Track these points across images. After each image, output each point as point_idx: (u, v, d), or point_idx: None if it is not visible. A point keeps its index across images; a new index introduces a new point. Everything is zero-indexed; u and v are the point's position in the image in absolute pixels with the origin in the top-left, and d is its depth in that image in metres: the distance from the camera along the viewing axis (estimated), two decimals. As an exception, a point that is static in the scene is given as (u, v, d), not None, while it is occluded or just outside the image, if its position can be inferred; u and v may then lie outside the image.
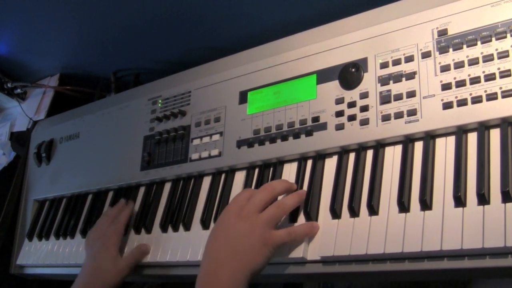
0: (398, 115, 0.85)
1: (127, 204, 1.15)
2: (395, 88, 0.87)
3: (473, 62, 0.80)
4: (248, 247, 0.79)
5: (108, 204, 1.25)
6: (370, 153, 0.89)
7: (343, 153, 0.91)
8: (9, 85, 1.64)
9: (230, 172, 1.05)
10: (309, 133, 0.94)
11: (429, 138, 0.83)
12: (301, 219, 0.89)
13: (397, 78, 0.87)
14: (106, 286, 1.01)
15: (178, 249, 1.02)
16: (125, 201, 1.17)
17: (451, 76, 0.82)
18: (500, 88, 0.77)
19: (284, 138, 0.97)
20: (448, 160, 0.80)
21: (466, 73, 0.81)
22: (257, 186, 0.99)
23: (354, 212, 0.83)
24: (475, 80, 0.79)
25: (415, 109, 0.84)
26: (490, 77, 0.78)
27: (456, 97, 0.80)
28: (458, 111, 0.79)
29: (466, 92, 0.80)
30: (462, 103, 0.79)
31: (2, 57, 1.59)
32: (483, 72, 0.79)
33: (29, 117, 1.59)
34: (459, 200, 0.74)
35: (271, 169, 0.99)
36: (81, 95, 1.59)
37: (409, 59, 0.87)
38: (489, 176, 0.74)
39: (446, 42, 0.84)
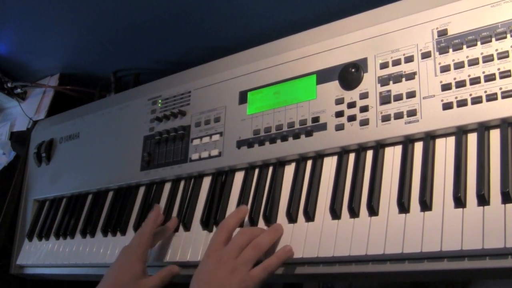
0: (398, 116, 0.85)
1: (155, 210, 1.05)
2: (395, 88, 0.87)
3: (473, 62, 0.80)
4: None
5: (108, 204, 1.25)
6: (370, 154, 0.88)
7: (343, 153, 0.91)
8: (9, 85, 1.64)
9: (230, 172, 1.05)
10: (309, 133, 0.94)
11: (429, 138, 0.83)
12: (301, 219, 0.89)
13: (397, 78, 0.87)
14: None
15: (178, 249, 1.02)
16: (158, 206, 1.08)
17: (451, 77, 0.82)
18: (500, 88, 0.77)
19: (284, 138, 0.97)
20: (448, 161, 0.80)
21: (466, 73, 0.80)
22: (256, 187, 0.99)
23: (354, 212, 0.83)
24: (475, 81, 0.79)
25: (415, 110, 0.84)
26: (490, 78, 0.78)
27: (456, 97, 0.80)
28: (458, 112, 0.79)
29: (466, 93, 0.79)
30: (462, 103, 0.79)
31: (2, 57, 1.59)
32: (483, 72, 0.79)
33: (29, 117, 1.59)
34: (459, 201, 0.74)
35: (271, 169, 0.99)
36: (81, 95, 1.59)
37: (409, 59, 0.87)
38: (489, 177, 0.74)
39: (446, 42, 0.84)
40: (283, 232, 0.89)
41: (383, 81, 0.88)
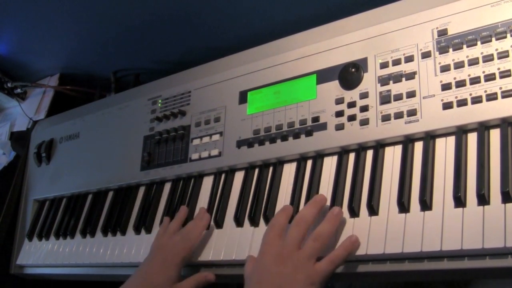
0: (398, 115, 0.85)
1: (203, 218, 1.00)
2: (395, 88, 0.87)
3: (473, 62, 0.80)
4: None
5: (108, 204, 1.25)
6: (370, 153, 0.88)
7: (343, 153, 0.91)
8: (9, 85, 1.64)
9: (230, 172, 1.05)
10: (309, 133, 0.94)
11: (429, 138, 0.83)
12: (301, 219, 0.89)
13: (397, 78, 0.87)
14: None
15: (178, 249, 1.02)
16: (186, 209, 1.04)
17: (451, 76, 0.82)
18: (500, 88, 0.77)
19: (284, 138, 0.97)
20: (448, 160, 0.80)
21: (466, 73, 0.80)
22: (256, 187, 0.99)
23: (354, 212, 0.83)
24: (475, 80, 0.79)
25: (415, 109, 0.84)
26: (490, 77, 0.78)
27: (456, 97, 0.80)
28: (458, 111, 0.79)
29: (466, 92, 0.79)
30: (462, 103, 0.79)
31: (2, 57, 1.59)
32: (483, 72, 0.79)
33: (29, 117, 1.59)
34: (459, 201, 0.74)
35: (271, 169, 0.99)
36: (81, 95, 1.59)
37: (409, 59, 0.87)
38: (489, 177, 0.74)
39: (446, 42, 0.84)
40: (342, 216, 0.82)
41: (383, 81, 0.88)
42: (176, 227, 1.00)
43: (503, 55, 0.78)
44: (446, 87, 0.82)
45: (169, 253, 0.95)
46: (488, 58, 0.79)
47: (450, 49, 0.83)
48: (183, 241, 0.96)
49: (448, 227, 0.73)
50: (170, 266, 0.93)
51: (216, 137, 1.08)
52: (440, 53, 0.84)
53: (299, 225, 0.81)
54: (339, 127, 0.91)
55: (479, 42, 0.81)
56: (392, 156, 0.86)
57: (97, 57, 1.52)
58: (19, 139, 1.60)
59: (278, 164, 0.98)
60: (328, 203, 0.87)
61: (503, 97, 0.76)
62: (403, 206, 0.79)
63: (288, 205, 0.89)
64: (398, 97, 0.86)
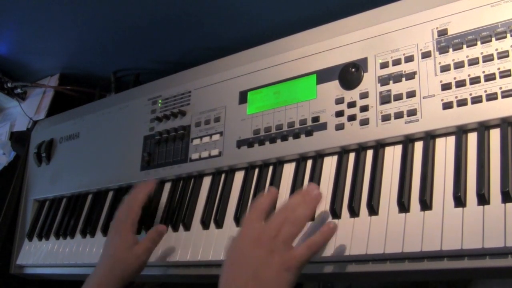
0: (398, 115, 0.85)
1: (148, 183, 1.07)
2: (395, 88, 0.87)
3: (473, 62, 0.80)
4: (269, 276, 0.73)
5: (108, 204, 1.25)
6: (370, 153, 0.89)
7: (343, 153, 0.91)
8: (9, 85, 1.64)
9: (230, 172, 1.05)
10: (309, 133, 0.94)
11: (429, 138, 0.83)
12: (301, 219, 0.89)
13: (397, 78, 0.87)
14: (125, 275, 0.94)
15: (178, 249, 1.02)
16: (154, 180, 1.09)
17: (451, 76, 0.82)
18: (500, 88, 0.77)
19: (284, 138, 0.97)
20: (448, 160, 0.80)
21: (466, 73, 0.81)
22: (256, 187, 0.99)
23: (354, 212, 0.83)
24: (475, 80, 0.79)
25: (415, 109, 0.84)
26: (490, 77, 0.78)
27: (456, 97, 0.80)
28: (458, 111, 0.79)
29: (466, 92, 0.80)
30: (462, 103, 0.79)
31: (2, 57, 1.59)
32: (483, 72, 0.79)
33: (29, 117, 1.59)
34: (459, 200, 0.74)
35: (271, 169, 0.99)
36: (81, 95, 1.59)
37: (409, 59, 0.87)
38: (489, 176, 0.74)
39: (446, 42, 0.84)
40: (321, 199, 0.80)
41: (383, 80, 0.89)
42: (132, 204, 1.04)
43: (503, 55, 0.78)
44: (446, 87, 0.82)
45: (118, 224, 1.01)
46: (488, 58, 0.79)
47: (450, 49, 0.83)
48: (126, 209, 1.02)
49: (448, 227, 0.73)
50: (124, 234, 0.98)
51: (216, 137, 1.08)
52: (440, 53, 0.84)
53: (282, 212, 0.79)
54: (339, 127, 0.91)
55: (479, 42, 0.81)
56: (392, 156, 0.86)
57: (97, 57, 1.52)
58: (19, 139, 1.60)
59: (278, 164, 0.98)
60: (328, 203, 0.87)
61: (503, 97, 0.76)
62: (403, 206, 0.79)
63: (274, 188, 0.88)
64: (398, 97, 0.86)
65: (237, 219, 0.97)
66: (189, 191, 1.10)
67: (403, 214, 0.78)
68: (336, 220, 0.84)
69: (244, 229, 0.80)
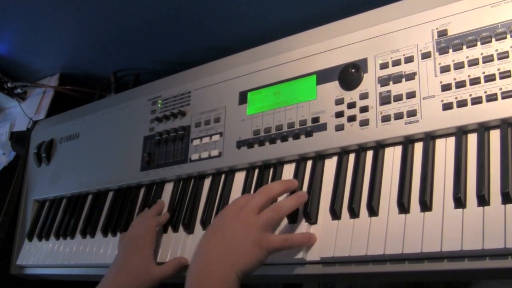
0: (398, 116, 0.85)
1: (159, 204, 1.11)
2: (395, 88, 0.87)
3: (473, 62, 0.80)
4: (242, 248, 0.80)
5: (108, 204, 1.25)
6: (370, 154, 0.88)
7: (343, 153, 0.91)
8: (9, 85, 1.64)
9: (230, 173, 1.05)
10: (309, 133, 0.94)
11: (429, 139, 0.83)
12: (301, 220, 0.89)
13: (397, 78, 0.87)
14: (136, 286, 0.95)
15: (178, 250, 1.02)
16: (163, 202, 1.12)
17: (451, 77, 0.82)
18: (500, 89, 0.77)
19: (284, 138, 0.97)
20: (448, 161, 0.80)
21: (466, 73, 0.80)
22: (256, 187, 0.99)
23: (354, 213, 0.83)
24: (475, 81, 0.79)
25: (415, 110, 0.83)
26: (490, 78, 0.78)
27: (456, 98, 0.80)
28: (458, 112, 0.79)
29: (466, 93, 0.79)
30: (462, 104, 0.79)
31: (2, 57, 1.59)
32: (483, 73, 0.79)
33: (29, 117, 1.59)
34: (459, 201, 0.74)
35: (271, 169, 0.99)
36: (81, 95, 1.59)
37: (409, 59, 0.87)
38: (489, 177, 0.74)
39: (446, 42, 0.84)
40: (306, 199, 0.87)
41: (383, 81, 0.88)
42: (149, 217, 1.07)
43: (503, 55, 0.78)
44: (446, 87, 0.82)
45: (138, 238, 1.01)
46: (488, 59, 0.79)
47: (450, 50, 0.83)
48: (145, 224, 1.04)
49: (448, 228, 0.73)
50: (143, 248, 0.99)
51: (216, 137, 1.08)
52: (440, 54, 0.84)
53: (262, 193, 0.86)
54: (339, 127, 0.91)
55: (479, 43, 0.81)
56: (392, 156, 0.86)
57: (97, 57, 1.52)
58: (19, 139, 1.60)
59: (278, 164, 0.98)
60: (328, 203, 0.87)
61: (503, 97, 0.76)
62: (403, 206, 0.79)
63: (295, 181, 0.92)
64: (398, 98, 0.86)
65: (237, 220, 0.97)
66: (189, 192, 1.09)
67: (403, 215, 0.78)
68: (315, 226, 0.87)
69: (229, 206, 0.87)
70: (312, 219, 0.88)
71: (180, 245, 1.02)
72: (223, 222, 0.85)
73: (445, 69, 0.83)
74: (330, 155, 0.93)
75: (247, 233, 0.80)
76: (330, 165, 0.92)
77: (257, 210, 0.84)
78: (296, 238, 0.84)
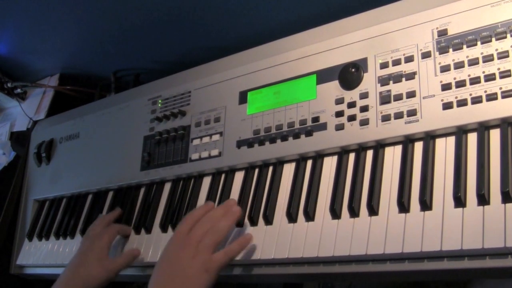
0: (398, 115, 0.85)
1: (122, 213, 1.18)
2: (395, 88, 0.87)
3: (473, 62, 0.80)
4: (190, 275, 0.84)
5: (108, 204, 1.25)
6: (370, 153, 0.88)
7: (343, 153, 0.91)
8: (9, 85, 1.64)
9: (230, 172, 1.05)
10: (309, 133, 0.94)
11: (429, 138, 0.83)
12: (301, 218, 0.89)
13: (397, 78, 0.87)
14: (89, 284, 1.01)
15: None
16: (120, 210, 1.18)
17: (451, 76, 0.82)
18: (500, 88, 0.77)
19: (284, 138, 0.97)
20: (448, 161, 0.80)
21: (466, 73, 0.80)
22: (257, 186, 0.99)
23: (354, 212, 0.83)
24: (475, 81, 0.79)
25: (415, 109, 0.84)
26: (490, 78, 0.78)
27: (456, 97, 0.80)
28: (458, 112, 0.79)
29: (466, 93, 0.80)
30: (462, 103, 0.79)
31: (2, 57, 1.59)
32: (483, 72, 0.79)
33: (29, 117, 1.59)
34: (459, 201, 0.74)
35: (271, 169, 0.99)
36: (81, 95, 1.59)
37: (409, 59, 0.87)
38: (489, 177, 0.74)
39: (446, 42, 0.84)
40: (240, 213, 0.92)
41: (383, 81, 0.88)
42: (107, 221, 1.14)
43: (503, 55, 0.78)
44: (446, 87, 0.82)
45: (96, 237, 1.08)
46: (488, 58, 0.79)
47: (450, 49, 0.83)
48: (109, 227, 1.11)
49: (448, 227, 0.73)
50: (99, 247, 1.05)
51: (216, 137, 1.08)
52: (440, 53, 0.84)
53: (205, 223, 0.91)
54: (339, 127, 0.91)
55: (479, 42, 0.81)
56: (392, 156, 0.86)
57: (97, 57, 1.52)
58: (19, 139, 1.60)
59: (278, 164, 0.98)
60: (328, 202, 0.87)
61: (503, 97, 0.76)
62: (403, 206, 0.79)
63: (210, 202, 0.98)
64: (398, 97, 0.86)
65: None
66: (189, 191, 1.10)
67: (403, 214, 0.78)
68: (252, 229, 0.93)
69: (174, 236, 0.92)
70: (311, 218, 0.88)
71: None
72: (170, 252, 0.90)
73: (445, 69, 0.83)
74: (330, 155, 0.93)
75: (193, 260, 0.85)
76: (330, 164, 0.92)
77: (200, 239, 0.88)
78: (233, 247, 0.89)
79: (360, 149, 0.89)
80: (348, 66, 0.93)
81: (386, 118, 0.86)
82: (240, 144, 1.03)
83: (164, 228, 1.08)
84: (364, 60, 0.92)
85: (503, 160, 0.74)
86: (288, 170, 0.97)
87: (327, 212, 0.86)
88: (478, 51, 0.81)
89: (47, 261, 1.29)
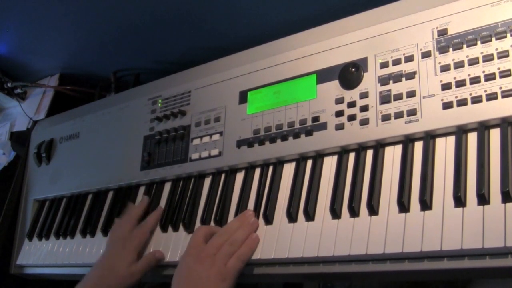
0: (398, 115, 0.85)
1: (149, 203, 1.15)
2: (395, 88, 0.87)
3: (473, 62, 0.80)
4: (208, 287, 0.86)
5: (108, 204, 1.25)
6: (370, 153, 0.89)
7: (343, 153, 0.91)
8: (9, 85, 1.64)
9: (230, 172, 1.05)
10: (309, 133, 0.94)
11: (429, 138, 0.83)
12: (301, 218, 0.89)
13: (397, 78, 0.87)
14: (117, 286, 1.00)
15: (178, 249, 1.02)
16: (148, 198, 1.15)
17: (451, 76, 0.82)
18: (500, 88, 0.77)
19: (284, 138, 0.97)
20: (448, 160, 0.80)
21: (466, 73, 0.80)
22: (257, 186, 0.99)
23: (354, 212, 0.83)
24: (475, 80, 0.79)
25: (415, 109, 0.84)
26: (490, 77, 0.78)
27: (456, 97, 0.80)
28: (458, 111, 0.79)
29: (466, 92, 0.80)
30: (462, 103, 0.79)
31: (2, 57, 1.58)
32: (483, 72, 0.79)
33: (29, 117, 1.59)
34: (459, 200, 0.74)
35: (271, 169, 0.99)
36: (81, 95, 1.59)
37: (409, 59, 0.87)
38: (489, 176, 0.74)
39: (446, 42, 0.84)
40: (257, 226, 0.93)
41: (383, 80, 0.88)
42: (135, 219, 1.11)
43: (503, 54, 0.78)
44: (446, 86, 0.82)
45: (127, 240, 1.06)
46: (488, 58, 0.79)
47: (450, 49, 0.83)
48: (141, 227, 1.08)
49: (448, 227, 0.73)
50: (130, 252, 1.04)
51: (216, 137, 1.08)
52: (440, 53, 0.84)
53: (222, 235, 0.92)
54: (339, 127, 0.91)
55: (479, 42, 0.81)
56: (392, 156, 0.86)
57: (97, 57, 1.52)
58: (19, 139, 1.60)
59: (278, 164, 0.98)
60: (328, 202, 0.87)
61: (503, 96, 0.76)
62: (403, 205, 0.79)
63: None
64: (398, 97, 0.86)
65: (237, 219, 0.97)
66: (189, 191, 1.10)
67: (403, 214, 0.78)
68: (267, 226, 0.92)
69: (189, 249, 0.93)
70: (311, 218, 0.88)
71: (180, 245, 1.02)
72: (186, 266, 0.91)
73: (445, 68, 0.83)
74: (330, 154, 0.93)
75: (210, 272, 0.87)
76: (330, 164, 0.92)
77: (217, 251, 0.90)
78: (244, 251, 0.90)
79: (360, 149, 0.89)
80: (348, 66, 0.93)
81: (386, 118, 0.86)
82: (240, 143, 1.03)
83: (164, 228, 1.08)
84: (364, 60, 0.92)
85: (503, 160, 0.74)
86: (288, 170, 0.97)
87: (327, 212, 0.86)
88: (478, 50, 0.81)
89: (47, 261, 1.29)
